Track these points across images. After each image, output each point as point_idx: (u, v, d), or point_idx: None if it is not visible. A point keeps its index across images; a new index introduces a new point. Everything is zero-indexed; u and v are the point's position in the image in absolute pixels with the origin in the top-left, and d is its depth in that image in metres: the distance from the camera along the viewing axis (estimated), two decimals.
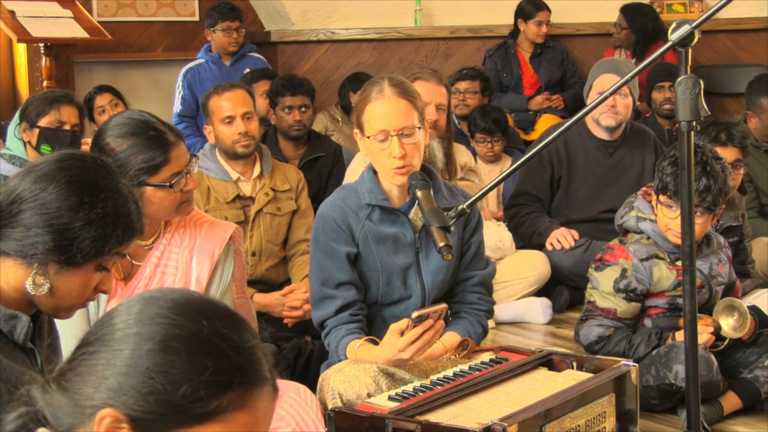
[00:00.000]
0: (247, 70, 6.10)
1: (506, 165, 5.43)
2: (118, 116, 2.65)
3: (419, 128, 2.84)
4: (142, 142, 2.55)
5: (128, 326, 1.25)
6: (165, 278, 2.65)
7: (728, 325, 3.27)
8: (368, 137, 2.84)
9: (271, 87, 5.09)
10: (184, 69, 6.19)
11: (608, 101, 4.50)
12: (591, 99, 4.54)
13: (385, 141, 2.81)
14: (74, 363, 1.28)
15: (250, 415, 1.25)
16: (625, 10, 6.62)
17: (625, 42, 6.64)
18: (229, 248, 2.77)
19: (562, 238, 4.61)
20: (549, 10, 6.65)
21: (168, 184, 2.56)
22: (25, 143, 4.19)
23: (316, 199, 4.32)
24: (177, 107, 6.12)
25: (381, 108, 2.82)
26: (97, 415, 1.21)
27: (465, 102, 5.74)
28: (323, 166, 4.99)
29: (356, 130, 2.92)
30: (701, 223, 3.22)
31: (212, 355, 1.23)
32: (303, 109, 4.93)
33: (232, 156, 3.99)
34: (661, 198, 3.26)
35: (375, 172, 2.92)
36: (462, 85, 5.77)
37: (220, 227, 2.79)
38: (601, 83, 4.46)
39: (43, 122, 4.22)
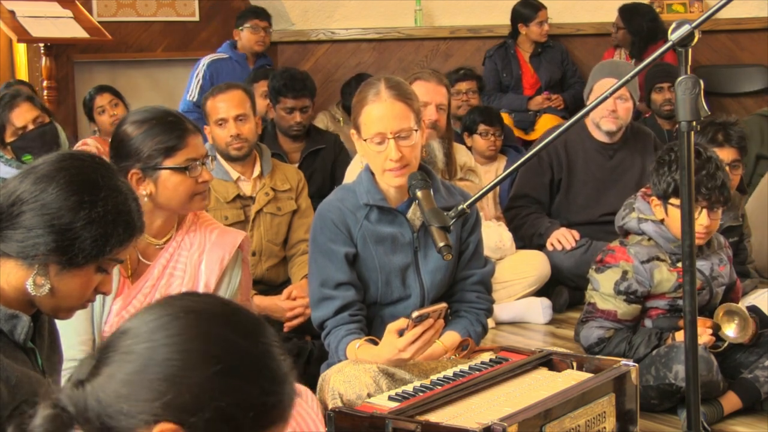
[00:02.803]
0: None
1: (501, 164, 5.41)
2: (137, 109, 2.71)
3: (416, 130, 2.84)
4: (160, 125, 2.58)
5: (183, 341, 1.28)
6: (172, 280, 2.64)
7: (731, 330, 3.27)
8: (365, 140, 2.84)
9: (272, 84, 4.99)
10: (207, 59, 6.15)
11: (609, 106, 4.50)
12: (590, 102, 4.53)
13: (382, 144, 2.81)
14: (112, 365, 1.29)
15: (285, 426, 1.33)
16: (623, 10, 6.62)
17: (622, 42, 6.64)
18: (238, 256, 2.77)
19: (563, 238, 4.61)
20: (545, 7, 6.66)
21: (183, 167, 2.57)
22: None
23: (321, 193, 4.31)
24: (193, 95, 6.04)
25: (377, 111, 2.82)
26: (155, 428, 1.24)
27: (468, 102, 5.72)
28: (325, 158, 4.97)
29: (353, 131, 2.92)
30: (717, 219, 3.24)
31: (268, 376, 1.30)
32: (304, 110, 4.91)
33: (227, 157, 4.00)
34: (675, 201, 3.24)
35: (372, 173, 2.92)
36: (463, 86, 5.75)
37: (230, 234, 2.79)
38: (602, 87, 4.43)
39: (8, 137, 4.23)
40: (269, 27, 6.31)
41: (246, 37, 6.22)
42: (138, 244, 2.64)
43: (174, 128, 2.58)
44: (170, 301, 1.34)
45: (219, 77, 6.05)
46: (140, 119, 2.60)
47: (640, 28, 6.50)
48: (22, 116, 4.25)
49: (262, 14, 6.31)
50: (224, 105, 3.98)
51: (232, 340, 1.29)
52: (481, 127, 5.30)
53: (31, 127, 4.26)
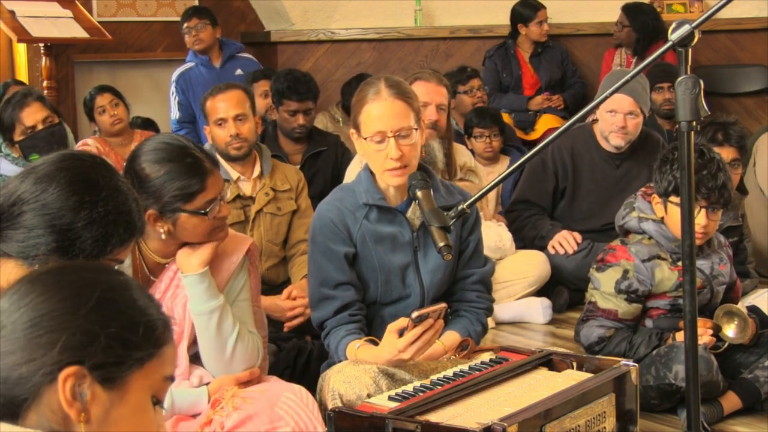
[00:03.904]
0: (239, 70, 6.08)
1: (504, 166, 5.40)
2: (153, 141, 2.60)
3: (416, 129, 2.84)
4: (179, 168, 2.51)
5: (51, 294, 1.33)
6: (179, 291, 2.62)
7: (731, 330, 3.27)
8: (365, 138, 2.84)
9: (275, 86, 4.97)
10: (174, 75, 6.13)
11: (619, 122, 4.48)
12: (600, 114, 4.52)
13: (382, 142, 2.81)
14: None
15: (171, 348, 1.39)
16: (627, 8, 6.63)
17: (626, 40, 6.63)
18: (244, 261, 2.74)
19: (565, 241, 4.60)
20: (544, 7, 6.66)
21: (203, 211, 2.53)
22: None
23: (324, 195, 4.30)
24: (175, 114, 6.05)
25: (377, 109, 2.82)
26: (60, 376, 1.27)
27: (482, 99, 5.80)
28: (327, 160, 4.97)
29: (352, 131, 2.92)
30: (715, 221, 3.25)
31: (137, 298, 1.37)
32: (307, 112, 4.91)
33: (226, 157, 4.00)
34: (675, 199, 3.24)
35: (371, 172, 2.92)
36: (476, 83, 5.82)
37: (236, 240, 2.75)
38: (613, 100, 4.34)
39: (17, 135, 4.22)
40: (202, 22, 6.07)
41: (186, 41, 6.17)
42: (147, 262, 2.63)
43: (194, 171, 2.51)
44: (21, 279, 1.39)
45: (191, 87, 6.02)
46: (158, 159, 2.52)
47: (645, 26, 6.49)
48: (32, 116, 4.25)
49: (188, 15, 6.17)
50: (223, 105, 3.98)
51: (93, 278, 1.35)
52: (476, 130, 5.33)
53: (40, 127, 4.26)
